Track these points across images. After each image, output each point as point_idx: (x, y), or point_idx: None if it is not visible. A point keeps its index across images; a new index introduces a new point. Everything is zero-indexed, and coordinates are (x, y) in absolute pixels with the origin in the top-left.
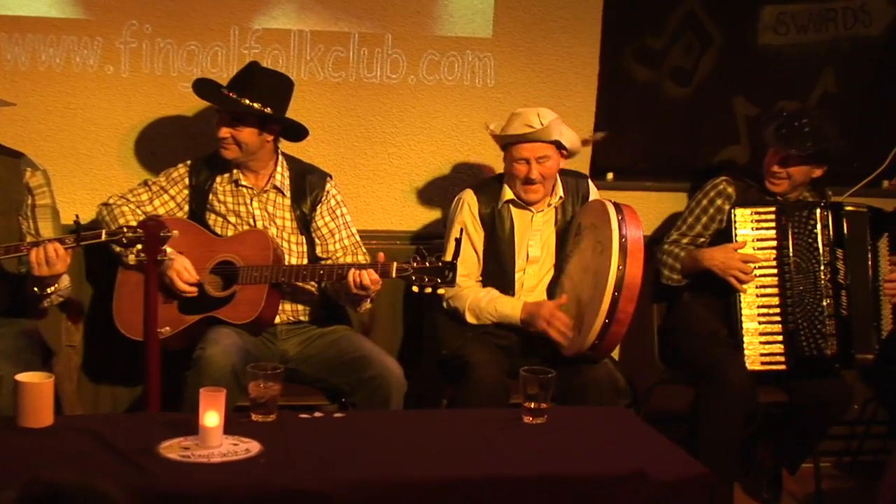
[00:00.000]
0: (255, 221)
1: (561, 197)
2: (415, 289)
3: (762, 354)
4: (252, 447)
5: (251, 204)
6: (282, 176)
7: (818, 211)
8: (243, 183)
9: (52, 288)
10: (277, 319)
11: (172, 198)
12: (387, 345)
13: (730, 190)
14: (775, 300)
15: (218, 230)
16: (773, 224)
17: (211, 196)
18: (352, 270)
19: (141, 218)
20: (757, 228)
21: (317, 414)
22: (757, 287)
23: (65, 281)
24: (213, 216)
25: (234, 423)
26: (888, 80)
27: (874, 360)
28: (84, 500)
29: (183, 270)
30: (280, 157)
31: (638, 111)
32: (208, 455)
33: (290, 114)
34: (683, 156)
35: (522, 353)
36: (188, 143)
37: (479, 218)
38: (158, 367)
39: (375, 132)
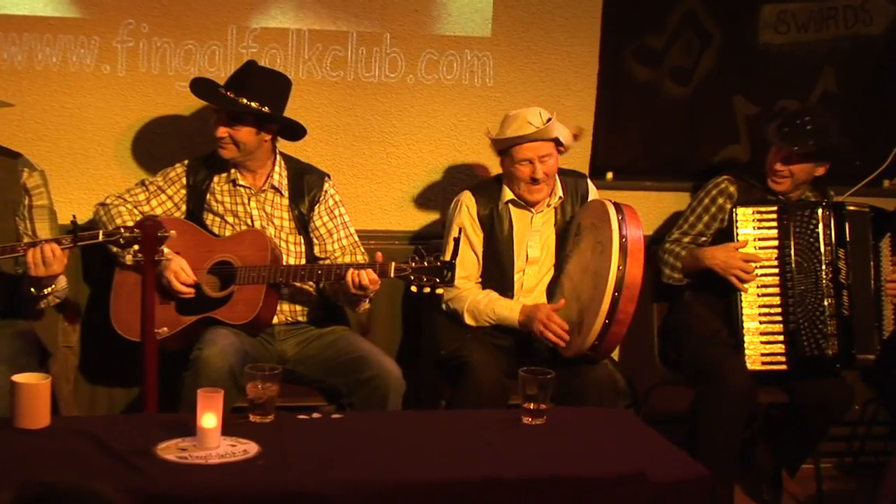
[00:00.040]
0: (252, 221)
1: (560, 197)
2: (413, 289)
3: (763, 354)
4: (250, 448)
5: (249, 204)
6: (280, 175)
7: (820, 211)
8: (241, 182)
9: (49, 289)
10: (275, 320)
11: (170, 198)
12: (385, 345)
13: (732, 189)
14: (776, 300)
15: (215, 230)
16: (774, 223)
17: (208, 196)
18: (350, 270)
19: (138, 218)
20: (759, 228)
21: (315, 415)
22: (758, 287)
23: (61, 282)
24: (210, 216)
25: (232, 425)
26: (889, 79)
27: (875, 360)
28: (80, 501)
29: (180, 271)
30: (278, 157)
31: (637, 110)
32: (206, 456)
33: (288, 113)
34: (683, 155)
35: (521, 353)
36: (185, 143)
37: (477, 219)
38: (156, 368)
39: (374, 132)
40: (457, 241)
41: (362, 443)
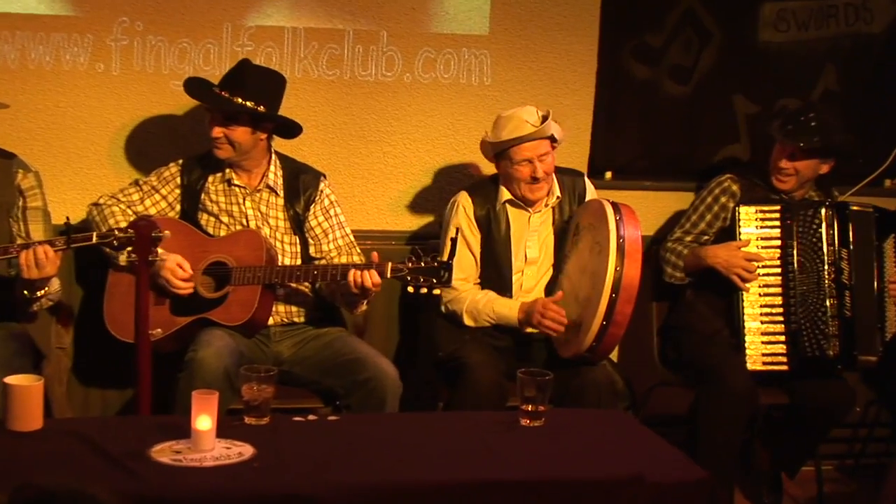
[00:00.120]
0: (247, 221)
1: (558, 196)
2: (410, 289)
3: (764, 354)
4: (245, 451)
5: (244, 203)
6: (275, 175)
7: (823, 210)
8: (236, 182)
9: (42, 291)
10: (271, 321)
11: (164, 197)
12: (382, 347)
13: (734, 188)
14: (778, 300)
15: (210, 230)
16: (777, 223)
17: (203, 196)
18: (352, 271)
19: (132, 218)
20: (761, 227)
21: (311, 417)
22: (760, 286)
23: (55, 284)
24: (205, 216)
25: (227, 427)
26: (890, 77)
27: (877, 362)
28: None
29: (177, 268)
30: (273, 157)
31: (637, 109)
32: (200, 459)
33: (284, 112)
34: (683, 154)
35: (520, 354)
36: (180, 142)
37: (474, 220)
38: (150, 370)
39: (370, 131)
40: (454, 241)
41: (359, 445)
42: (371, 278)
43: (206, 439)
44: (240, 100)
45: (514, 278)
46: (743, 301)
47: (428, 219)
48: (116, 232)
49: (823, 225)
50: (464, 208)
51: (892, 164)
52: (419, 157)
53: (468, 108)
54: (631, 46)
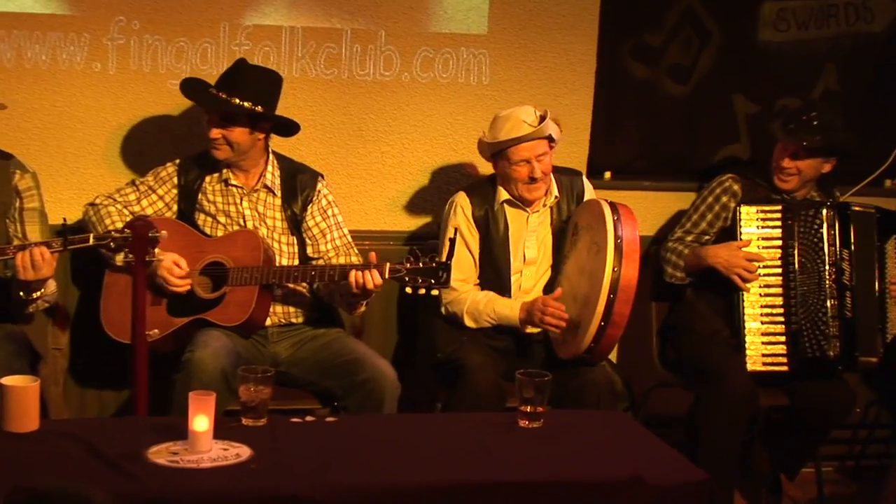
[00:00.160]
0: (245, 221)
1: (556, 196)
2: (408, 290)
3: (764, 355)
4: (242, 452)
5: (241, 203)
6: (272, 175)
7: (825, 211)
8: (233, 182)
9: (38, 293)
10: (268, 321)
11: (161, 197)
12: (380, 347)
13: (736, 187)
14: (779, 300)
15: (207, 230)
16: (778, 223)
17: (200, 195)
18: (353, 271)
19: (128, 218)
20: (762, 227)
21: (308, 418)
22: (761, 286)
23: (51, 286)
24: (202, 216)
25: (224, 428)
26: (890, 77)
27: (878, 363)
28: None
29: (173, 266)
30: (271, 156)
31: (636, 109)
32: (197, 460)
33: (282, 111)
34: (682, 154)
35: (518, 355)
36: (177, 142)
37: (472, 220)
38: (146, 371)
39: (368, 130)
40: (452, 241)
41: (357, 446)
42: (373, 279)
43: (203, 440)
44: (237, 100)
45: (512, 279)
46: (743, 301)
47: (426, 219)
48: (114, 233)
49: (825, 225)
50: (462, 209)
51: (893, 164)
52: (417, 156)
53: (467, 107)
54: (630, 46)
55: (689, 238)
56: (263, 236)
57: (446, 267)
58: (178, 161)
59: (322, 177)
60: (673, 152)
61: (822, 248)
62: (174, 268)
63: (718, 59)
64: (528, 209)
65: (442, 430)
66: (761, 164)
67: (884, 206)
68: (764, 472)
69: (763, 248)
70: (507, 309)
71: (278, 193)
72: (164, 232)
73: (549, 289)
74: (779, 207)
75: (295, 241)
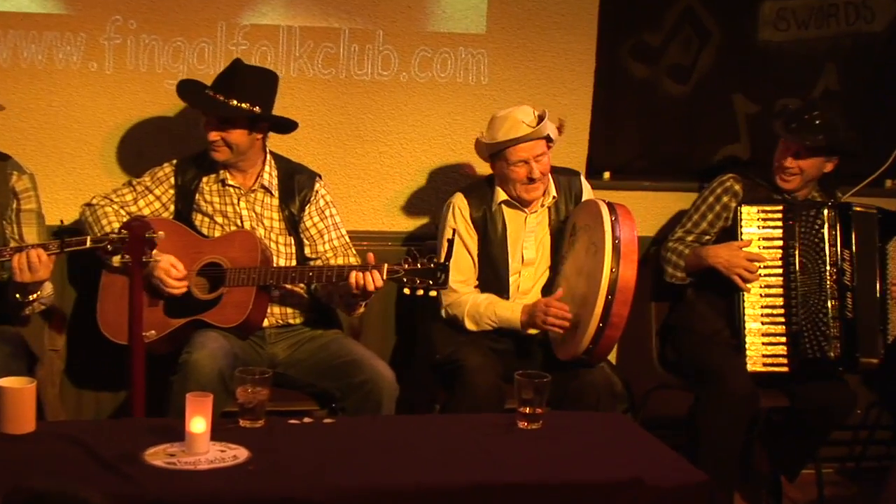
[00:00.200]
0: (242, 222)
1: (554, 196)
2: (406, 291)
3: (764, 356)
4: (240, 454)
5: (238, 204)
6: (270, 175)
7: (826, 211)
8: (230, 182)
9: (34, 295)
10: (266, 322)
11: (158, 198)
12: (378, 349)
13: (737, 187)
14: (779, 301)
15: (204, 231)
16: (779, 223)
17: (197, 196)
18: (354, 272)
19: (125, 219)
20: (763, 227)
21: (306, 419)
22: (761, 287)
23: (47, 289)
24: (199, 216)
25: (222, 430)
26: (891, 77)
27: (879, 364)
28: None
29: (171, 268)
30: (268, 156)
31: (635, 109)
32: (195, 462)
33: (279, 111)
34: (682, 154)
35: (517, 356)
36: (174, 142)
37: (470, 222)
38: (143, 372)
39: (366, 130)
40: (450, 242)
41: (355, 448)
42: (374, 281)
43: (200, 442)
44: (235, 102)
45: (510, 280)
46: (744, 301)
47: (424, 219)
48: (111, 236)
49: (826, 226)
50: (459, 210)
51: (893, 164)
52: (416, 156)
53: (465, 107)
54: (629, 45)
55: (690, 238)
56: (261, 237)
57: (444, 268)
58: (175, 161)
59: (320, 177)
60: (672, 152)
61: (823, 249)
62: (171, 269)
63: (718, 59)
64: (526, 210)
65: (440, 432)
66: (762, 163)
67: (884, 206)
68: (764, 474)
69: (764, 248)
70: (509, 312)
71: (276, 194)
72: (160, 232)
73: (547, 290)
74: (780, 207)
75: (292, 242)
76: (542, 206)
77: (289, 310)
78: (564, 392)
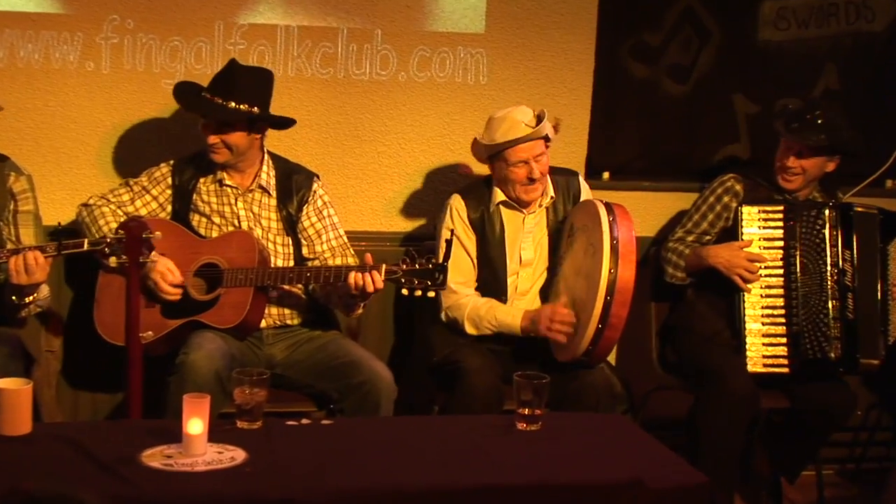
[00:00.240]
0: (239, 222)
1: (552, 197)
2: (404, 292)
3: (765, 356)
4: (237, 455)
5: (236, 204)
6: (267, 175)
7: (827, 211)
8: (228, 182)
9: (31, 297)
10: (263, 323)
11: (155, 198)
12: (376, 349)
13: (738, 187)
14: (780, 301)
15: (202, 231)
16: (780, 223)
17: (195, 196)
18: (354, 273)
19: (122, 219)
20: (764, 227)
21: (304, 421)
22: (762, 287)
23: (44, 291)
24: (196, 217)
25: (219, 431)
26: (891, 76)
27: (880, 365)
28: None
29: (167, 272)
30: (266, 157)
31: (635, 109)
32: (192, 463)
33: (277, 111)
34: (682, 154)
35: (516, 357)
36: (171, 142)
37: (468, 223)
38: (140, 373)
39: (364, 130)
40: (449, 242)
41: (353, 449)
42: (374, 282)
43: (197, 444)
44: (233, 104)
45: (508, 281)
46: (744, 302)
47: (423, 220)
48: (108, 239)
49: (827, 226)
50: (457, 211)
51: (894, 164)
52: (414, 156)
53: (464, 107)
54: (629, 45)
55: (690, 238)
56: (258, 237)
57: (443, 268)
58: (172, 161)
59: (318, 177)
60: (672, 152)
61: (824, 249)
62: (168, 273)
63: (718, 59)
64: (524, 210)
65: (439, 433)
66: (762, 164)
67: (885, 206)
68: (764, 475)
69: (764, 248)
70: (509, 317)
71: (273, 194)
72: (158, 233)
73: (545, 290)
74: (781, 208)
75: (290, 242)
76: (540, 206)
77: (286, 310)
78: (564, 393)
